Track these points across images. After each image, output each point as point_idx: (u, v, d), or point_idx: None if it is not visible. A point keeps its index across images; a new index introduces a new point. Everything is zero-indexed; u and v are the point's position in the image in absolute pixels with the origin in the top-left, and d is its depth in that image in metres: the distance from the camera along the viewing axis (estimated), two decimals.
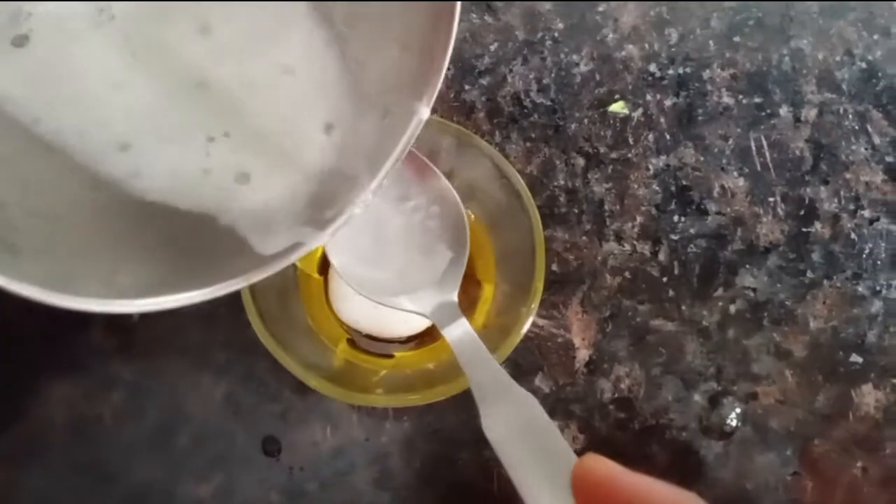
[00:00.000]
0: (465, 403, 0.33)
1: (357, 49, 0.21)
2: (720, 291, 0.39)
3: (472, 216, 0.37)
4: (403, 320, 0.36)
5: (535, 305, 0.32)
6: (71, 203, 0.20)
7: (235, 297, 0.35)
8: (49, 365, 0.37)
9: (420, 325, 0.36)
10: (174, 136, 0.20)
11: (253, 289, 0.31)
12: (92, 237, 0.21)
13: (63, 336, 0.38)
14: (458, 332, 0.28)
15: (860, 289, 0.39)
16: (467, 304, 0.36)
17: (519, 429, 0.24)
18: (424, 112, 0.22)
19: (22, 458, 0.36)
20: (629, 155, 0.41)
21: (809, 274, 0.39)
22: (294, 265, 0.35)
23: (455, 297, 0.30)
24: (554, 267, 0.39)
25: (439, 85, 0.21)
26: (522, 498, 0.22)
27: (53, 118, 0.18)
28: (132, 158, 0.19)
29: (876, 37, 0.43)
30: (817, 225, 0.40)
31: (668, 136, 0.41)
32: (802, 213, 0.40)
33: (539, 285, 0.32)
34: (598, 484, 0.20)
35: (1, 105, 0.18)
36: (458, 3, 0.20)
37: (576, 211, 0.40)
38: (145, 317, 0.37)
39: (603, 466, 0.20)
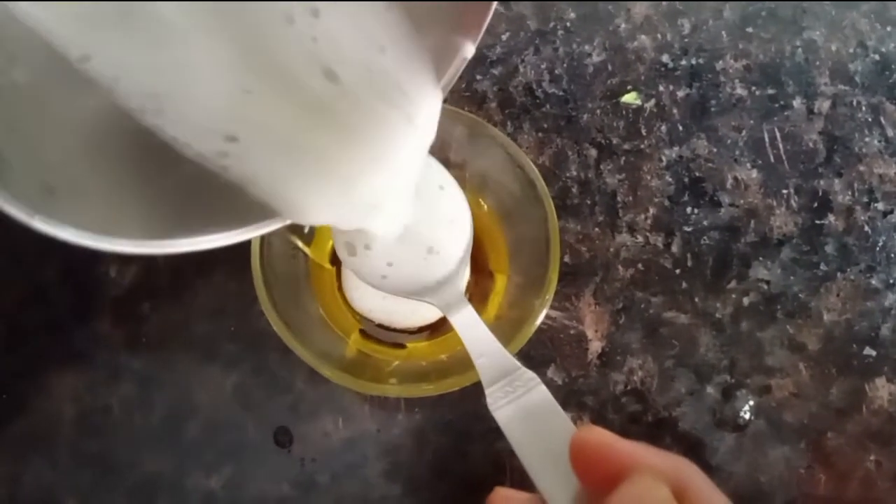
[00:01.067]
0: (476, 395, 0.33)
1: None
2: (733, 284, 0.39)
3: (486, 206, 0.36)
4: (414, 310, 0.36)
5: (549, 297, 0.32)
6: (95, 144, 0.20)
7: (244, 288, 0.35)
8: (56, 356, 0.37)
9: (431, 315, 0.36)
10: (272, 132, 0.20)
11: (266, 278, 0.30)
12: (119, 178, 0.20)
13: (70, 327, 0.37)
14: (464, 318, 0.28)
15: (874, 282, 0.39)
16: (480, 296, 0.36)
17: (523, 408, 0.24)
18: (469, 50, 0.22)
19: (28, 451, 0.36)
20: (642, 146, 0.40)
21: (823, 266, 0.39)
22: (306, 255, 0.35)
23: (461, 285, 0.30)
24: (566, 259, 0.38)
25: (488, 21, 0.21)
26: (529, 475, 0.22)
27: (109, 61, 0.18)
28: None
29: (889, 28, 0.43)
30: (831, 217, 0.40)
31: (680, 128, 0.41)
32: (816, 205, 0.40)
33: (553, 277, 0.32)
34: (594, 452, 0.21)
35: (45, 32, 0.17)
36: None
37: (588, 202, 0.39)
38: (154, 307, 0.37)
39: (597, 435, 0.21)
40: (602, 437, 0.21)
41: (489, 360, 0.26)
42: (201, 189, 0.20)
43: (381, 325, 0.36)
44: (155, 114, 0.19)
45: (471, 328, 0.28)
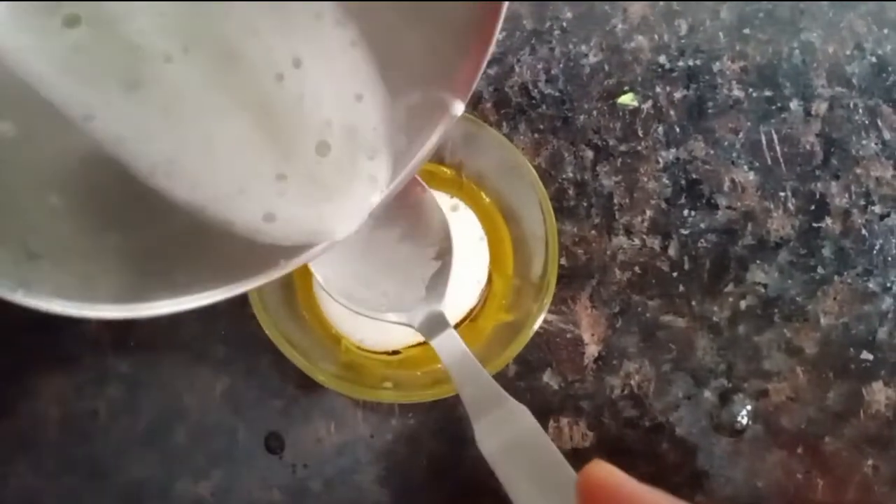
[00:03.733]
0: None
1: (383, 34, 0.20)
2: (730, 287, 0.38)
3: (488, 199, 0.36)
4: (384, 330, 0.34)
5: (547, 301, 0.31)
6: (79, 202, 0.19)
7: None
8: (41, 358, 0.36)
9: (404, 339, 0.34)
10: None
11: None
12: (102, 236, 0.20)
13: (56, 328, 0.36)
14: (447, 343, 0.27)
15: (871, 285, 0.39)
16: (479, 298, 0.35)
17: (513, 442, 0.24)
18: (458, 108, 0.21)
19: (12, 455, 0.35)
20: (638, 148, 0.40)
21: (820, 270, 0.39)
22: None
23: (442, 308, 0.29)
24: (563, 261, 0.38)
25: (478, 77, 0.20)
26: None
27: (113, 122, 0.17)
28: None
29: (886, 31, 0.43)
30: (828, 220, 0.40)
31: (677, 129, 0.40)
32: (813, 208, 0.40)
33: (552, 281, 0.31)
34: (601, 491, 0.20)
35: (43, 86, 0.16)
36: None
37: (585, 204, 0.39)
38: None
39: (606, 474, 0.20)
40: (611, 476, 0.20)
41: (475, 391, 0.25)
42: (189, 243, 0.20)
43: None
44: (165, 176, 0.18)
45: (455, 355, 0.26)
